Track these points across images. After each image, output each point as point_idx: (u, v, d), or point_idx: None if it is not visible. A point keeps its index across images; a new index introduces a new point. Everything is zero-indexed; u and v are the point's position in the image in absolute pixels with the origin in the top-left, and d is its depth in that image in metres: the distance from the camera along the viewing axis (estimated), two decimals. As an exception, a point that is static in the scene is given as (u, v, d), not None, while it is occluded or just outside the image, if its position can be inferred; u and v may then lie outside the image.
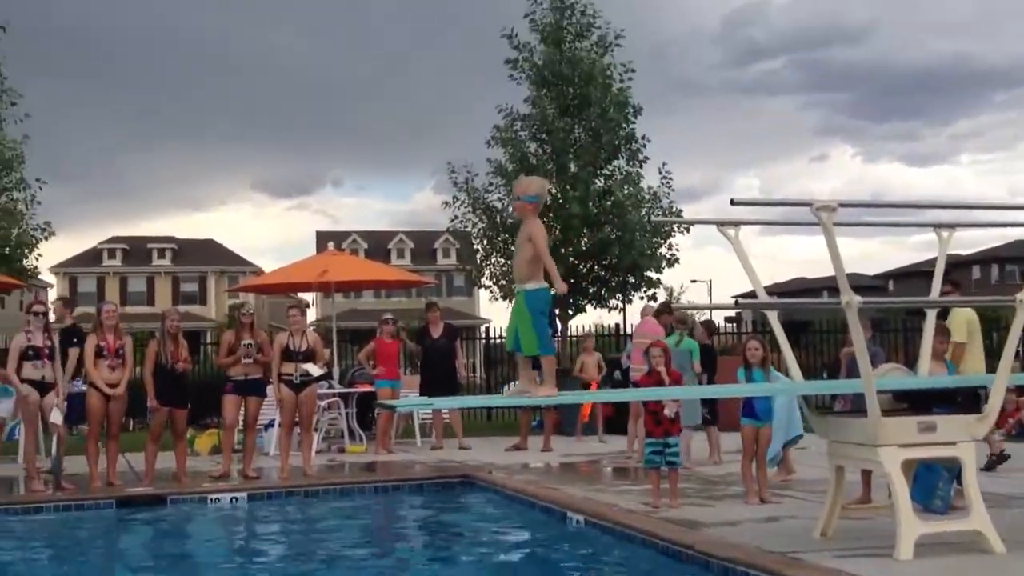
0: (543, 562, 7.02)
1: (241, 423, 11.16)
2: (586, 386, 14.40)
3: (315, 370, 10.95)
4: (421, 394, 13.61)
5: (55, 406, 10.01)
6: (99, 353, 10.19)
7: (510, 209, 21.28)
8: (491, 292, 22.04)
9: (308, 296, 34.97)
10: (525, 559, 7.23)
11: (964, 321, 9.85)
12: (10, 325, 37.92)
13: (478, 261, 22.50)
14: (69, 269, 60.92)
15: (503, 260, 21.60)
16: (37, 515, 9.14)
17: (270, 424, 13.19)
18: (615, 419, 14.17)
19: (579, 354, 15.62)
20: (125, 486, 10.07)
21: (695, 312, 15.43)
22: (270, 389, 11.12)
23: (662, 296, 22.24)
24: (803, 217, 6.31)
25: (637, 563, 6.65)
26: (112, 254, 62.83)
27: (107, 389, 10.11)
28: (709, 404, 11.15)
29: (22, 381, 9.91)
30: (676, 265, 21.50)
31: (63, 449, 10.26)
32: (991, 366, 8.59)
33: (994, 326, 15.96)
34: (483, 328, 33.96)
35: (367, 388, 14.38)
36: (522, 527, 8.32)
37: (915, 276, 63.08)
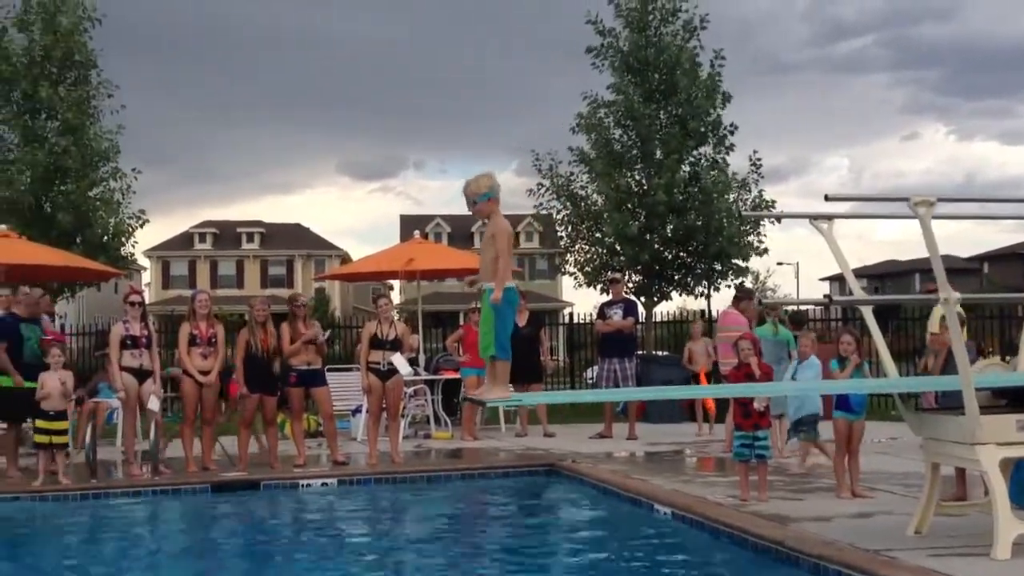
0: (629, 555, 6.99)
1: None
2: (695, 376, 14.13)
3: (403, 366, 11.05)
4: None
5: (152, 393, 10.32)
6: (192, 341, 10.47)
7: (593, 196, 21.26)
8: (575, 278, 22.00)
9: (393, 281, 35.30)
10: (611, 551, 7.22)
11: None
12: (104, 306, 39.14)
13: (562, 247, 22.49)
14: (162, 253, 62.49)
15: (587, 247, 21.56)
16: (136, 498, 9.43)
17: (357, 410, 13.41)
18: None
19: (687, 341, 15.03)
20: (220, 471, 10.33)
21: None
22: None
23: (749, 283, 21.98)
24: (898, 209, 6.18)
25: (725, 559, 6.60)
26: (203, 238, 64.26)
27: (200, 377, 10.38)
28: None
29: (121, 369, 10.23)
30: (765, 255, 21.24)
31: (161, 434, 10.57)
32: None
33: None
34: (566, 312, 33.97)
35: (453, 375, 14.52)
36: (608, 518, 8.32)
37: (1011, 258, 61.20)
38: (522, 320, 14.16)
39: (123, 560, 7.09)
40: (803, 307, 12.48)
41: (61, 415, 9.80)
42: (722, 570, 6.45)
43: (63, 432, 9.80)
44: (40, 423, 9.71)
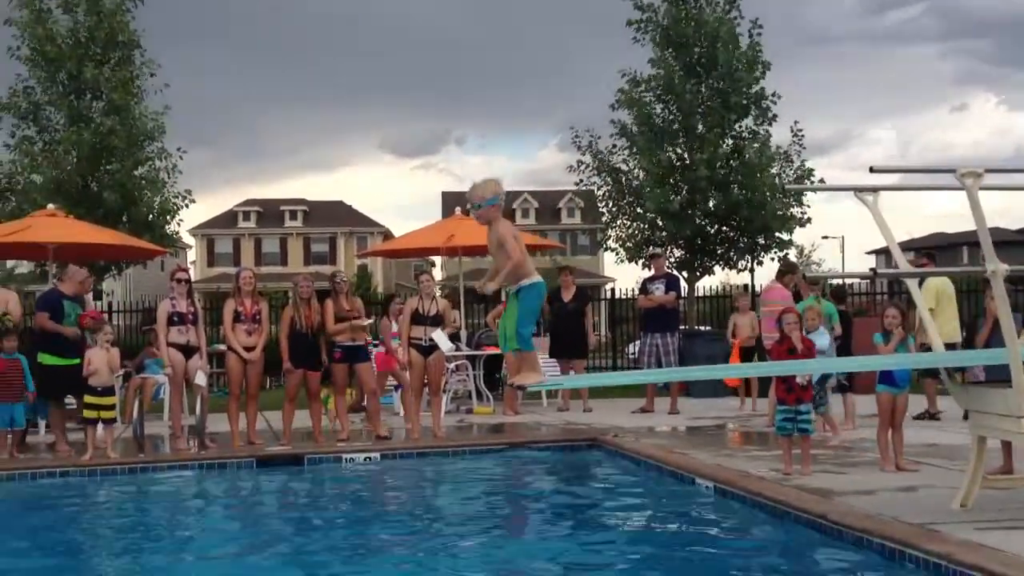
0: (671, 529, 7.00)
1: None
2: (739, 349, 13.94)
3: (444, 342, 11.08)
4: (550, 356, 13.71)
5: (199, 369, 10.47)
6: (237, 318, 10.60)
7: (634, 171, 21.14)
8: (617, 254, 21.94)
9: (434, 257, 35.39)
10: (654, 525, 7.22)
11: (934, 289, 11.27)
12: (150, 284, 39.66)
13: (603, 223, 22.43)
14: (207, 231, 63.19)
15: (629, 222, 21.48)
16: (183, 472, 9.57)
17: (400, 385, 13.49)
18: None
19: (731, 314, 15.01)
20: (265, 445, 10.45)
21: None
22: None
23: (793, 257, 21.80)
24: (945, 180, 6.08)
25: (768, 533, 6.58)
26: (247, 216, 64.85)
27: (244, 353, 10.51)
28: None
29: (168, 345, 10.39)
30: (808, 226, 21.05)
31: (207, 409, 10.72)
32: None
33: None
34: (608, 288, 33.89)
35: (494, 350, 14.56)
36: (650, 493, 8.31)
37: (1062, 231, 60.10)
38: (568, 295, 14.19)
39: (171, 533, 7.21)
40: (847, 281, 12.32)
41: (109, 391, 9.95)
42: (765, 544, 6.42)
43: (111, 407, 9.96)
44: (88, 399, 9.87)
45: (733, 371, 12.24)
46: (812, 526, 6.29)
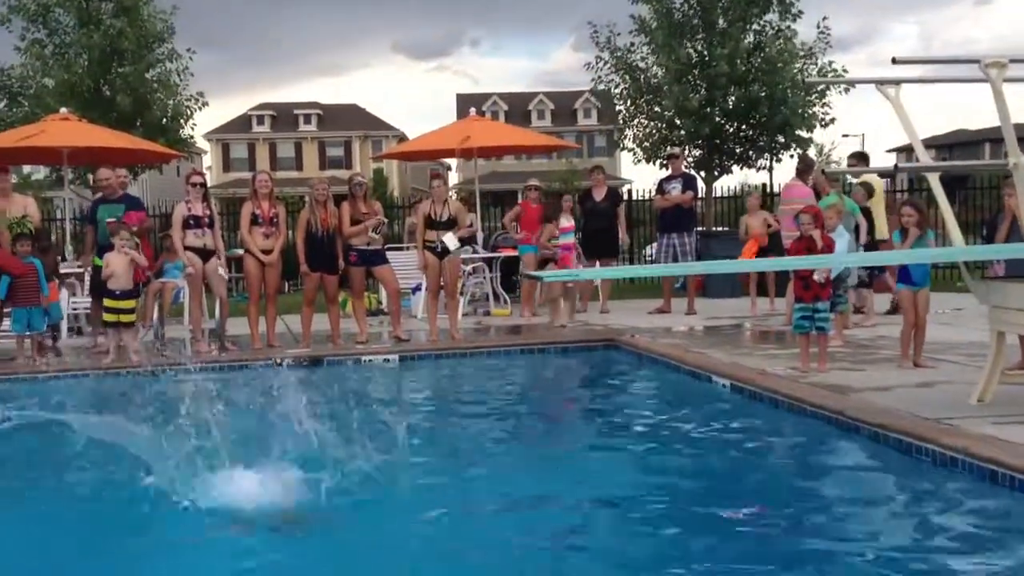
0: (688, 427, 7.03)
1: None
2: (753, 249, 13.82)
3: (452, 242, 11.05)
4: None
5: (218, 268, 10.49)
6: (254, 221, 10.58)
7: (653, 68, 20.82)
8: (634, 154, 21.73)
9: (450, 160, 35.18)
10: (670, 424, 7.26)
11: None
12: (166, 189, 39.65)
13: (620, 122, 22.16)
14: (221, 136, 62.88)
15: (646, 121, 21.22)
16: (204, 374, 9.64)
17: (417, 288, 13.53)
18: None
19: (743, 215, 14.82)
20: (284, 347, 10.53)
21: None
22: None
23: (813, 156, 21.55)
24: (969, 73, 5.93)
25: (785, 429, 6.61)
26: (261, 120, 64.42)
27: (262, 256, 10.52)
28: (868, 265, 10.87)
29: (185, 249, 10.41)
30: (831, 126, 20.73)
31: (226, 312, 10.78)
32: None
33: None
34: (624, 189, 33.66)
35: (511, 252, 14.54)
36: (667, 392, 8.35)
37: (1088, 127, 59.09)
38: (599, 195, 14.09)
39: (195, 429, 7.28)
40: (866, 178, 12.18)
41: (128, 294, 10.00)
42: (782, 441, 6.46)
43: (130, 311, 10.02)
44: (107, 302, 9.94)
45: (750, 265, 12.18)
46: (829, 422, 6.32)
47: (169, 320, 11.48)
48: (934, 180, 7.20)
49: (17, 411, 7.76)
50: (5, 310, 10.37)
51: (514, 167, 52.87)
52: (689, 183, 13.76)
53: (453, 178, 50.92)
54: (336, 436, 6.65)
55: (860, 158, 12.28)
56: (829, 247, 8.36)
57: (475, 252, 14.39)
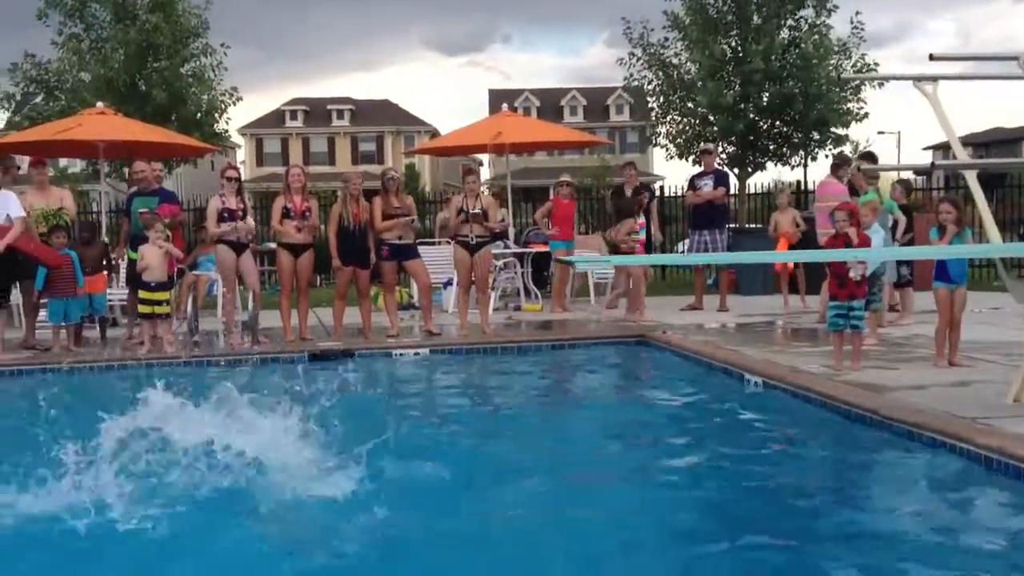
0: (720, 424, 7.00)
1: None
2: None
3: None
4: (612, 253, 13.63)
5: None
6: (286, 214, 10.63)
7: (686, 64, 20.72)
8: (666, 150, 21.64)
9: (482, 155, 35.18)
10: (702, 421, 7.23)
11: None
12: (200, 183, 39.96)
13: (653, 119, 22.09)
14: (255, 130, 63.24)
15: (679, 118, 21.13)
16: (237, 367, 9.73)
17: (448, 283, 13.55)
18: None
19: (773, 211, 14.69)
20: (316, 340, 10.58)
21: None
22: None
23: (848, 153, 21.36)
24: (1007, 70, 5.86)
25: (818, 427, 6.56)
26: (294, 116, 64.74)
27: (294, 234, 10.52)
28: (909, 264, 10.77)
29: (218, 242, 10.49)
30: (865, 120, 20.56)
31: (259, 305, 10.85)
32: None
33: None
34: (656, 185, 33.50)
35: (542, 248, 14.53)
36: (699, 389, 8.30)
37: None
38: (629, 190, 14.03)
39: (228, 421, 7.33)
40: (904, 173, 12.11)
41: (162, 286, 10.08)
42: (814, 439, 6.41)
43: (164, 303, 10.11)
44: (142, 294, 10.03)
45: (783, 256, 12.10)
46: (863, 421, 6.26)
47: (203, 313, 11.56)
48: (971, 178, 7.12)
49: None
50: (42, 301, 10.51)
51: (546, 163, 52.80)
52: (721, 179, 13.69)
53: (485, 174, 50.87)
54: (364, 428, 6.69)
55: (867, 158, 12.16)
56: (865, 245, 8.28)
57: (506, 248, 14.39)
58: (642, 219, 12.49)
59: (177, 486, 4.89)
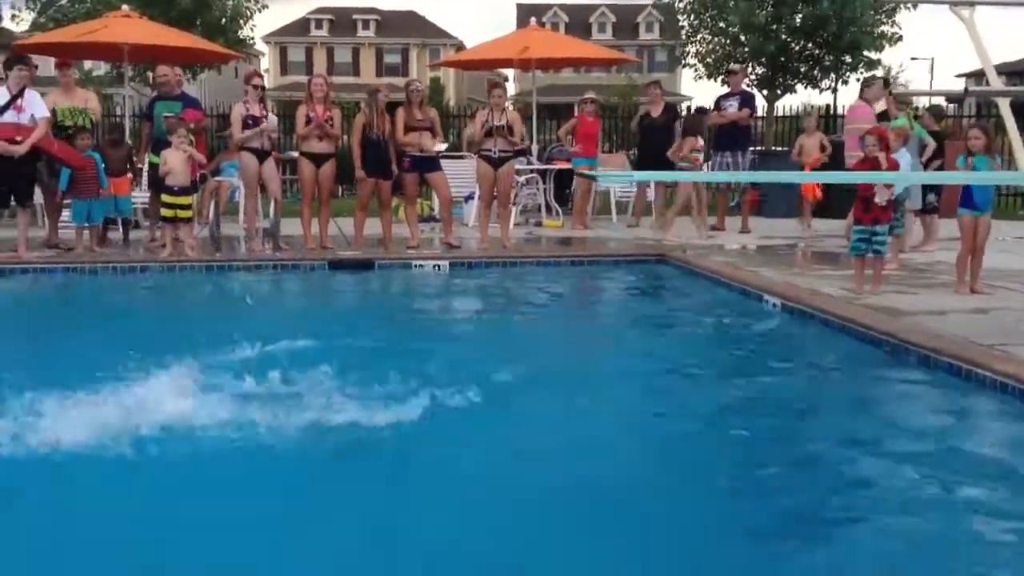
0: (737, 345, 7.02)
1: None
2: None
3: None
4: (637, 170, 13.54)
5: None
6: (308, 123, 10.58)
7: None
8: (695, 70, 21.34)
9: (507, 71, 34.81)
10: (718, 342, 7.25)
11: None
12: (223, 90, 39.77)
13: (683, 38, 21.75)
14: (279, 39, 62.67)
15: (710, 37, 20.79)
16: (258, 272, 9.82)
17: (470, 197, 13.53)
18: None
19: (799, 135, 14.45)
20: (336, 249, 10.62)
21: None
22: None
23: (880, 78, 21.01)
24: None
25: (835, 350, 6.57)
26: (319, 24, 64.05)
27: (316, 144, 10.51)
28: (936, 190, 10.66)
29: (242, 149, 10.47)
30: (899, 43, 20.17)
31: (280, 212, 10.87)
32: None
33: None
34: (684, 106, 33.13)
35: (565, 165, 14.44)
36: (716, 309, 8.29)
37: None
38: (656, 110, 13.90)
39: (246, 324, 7.43)
40: (936, 99, 11.90)
41: (185, 191, 10.10)
42: (831, 361, 6.43)
43: (187, 207, 10.14)
44: (165, 198, 10.05)
45: (808, 177, 11.99)
46: (880, 344, 6.26)
47: (224, 219, 11.60)
48: (1004, 105, 7.01)
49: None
50: (65, 201, 10.58)
51: (572, 80, 52.16)
52: (747, 101, 13.53)
53: (510, 89, 50.37)
54: (384, 338, 6.76)
55: (873, 81, 11.92)
56: (894, 169, 8.20)
57: (529, 164, 14.32)
58: (700, 142, 12.30)
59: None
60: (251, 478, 3.94)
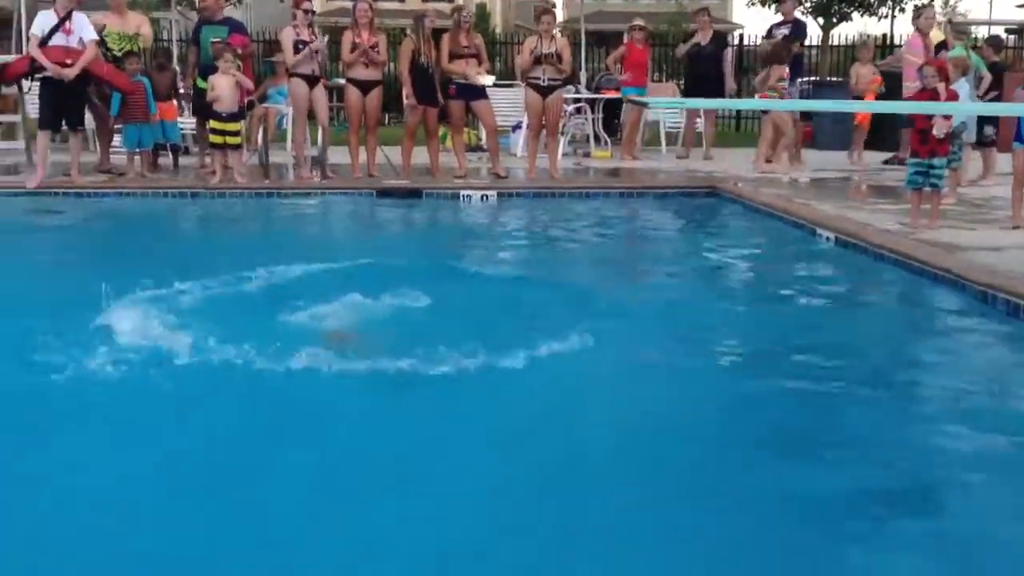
0: (788, 279, 6.92)
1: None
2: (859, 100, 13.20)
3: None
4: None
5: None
6: (353, 50, 10.50)
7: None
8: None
9: (556, -3, 34.25)
10: (769, 275, 7.17)
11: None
12: (270, 16, 39.57)
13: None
14: (326, -36, 62.04)
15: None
16: (306, 199, 9.84)
17: (517, 126, 13.41)
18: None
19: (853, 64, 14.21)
20: (384, 178, 10.60)
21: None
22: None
23: (938, 7, 20.44)
24: None
25: (889, 286, 6.48)
26: (365, -51, 63.31)
27: (364, 70, 10.44)
28: (993, 123, 10.40)
29: (292, 75, 10.42)
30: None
31: (328, 140, 10.85)
32: None
33: None
34: (736, 34, 32.45)
35: (614, 94, 14.24)
36: (768, 242, 8.20)
37: None
38: (705, 38, 13.65)
39: (296, 248, 7.48)
40: (995, 29, 11.56)
41: (234, 116, 10.10)
42: (884, 297, 6.35)
43: (236, 134, 10.15)
44: (214, 124, 10.07)
45: (863, 106, 11.74)
46: (935, 280, 6.16)
47: (272, 146, 11.61)
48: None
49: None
50: (116, 127, 10.63)
51: (621, 7, 51.19)
52: (798, 29, 13.22)
53: (558, 16, 49.61)
54: (429, 266, 6.77)
55: (924, 11, 11.57)
56: (952, 101, 8.00)
57: (577, 93, 14.14)
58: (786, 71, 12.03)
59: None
60: (307, 400, 3.99)
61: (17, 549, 2.83)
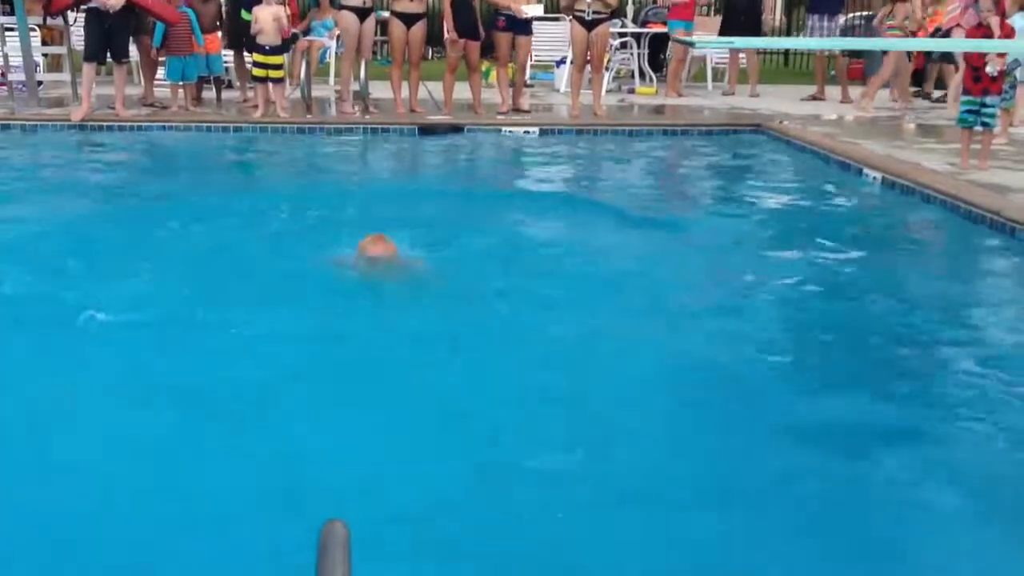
0: (834, 220, 6.81)
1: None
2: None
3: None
4: (721, 35, 13.07)
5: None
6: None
7: None
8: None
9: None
10: (815, 215, 7.05)
11: None
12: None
13: None
14: None
15: None
16: (349, 135, 9.82)
17: (561, 61, 13.25)
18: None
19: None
20: (426, 113, 10.54)
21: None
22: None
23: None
24: None
25: (936, 227, 6.38)
26: None
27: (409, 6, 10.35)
28: None
29: (342, 8, 10.32)
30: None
31: (369, 75, 10.78)
32: None
33: None
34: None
35: (660, 28, 13.98)
36: (814, 182, 8.07)
37: None
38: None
39: (335, 182, 7.51)
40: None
41: (276, 50, 10.06)
42: (933, 239, 6.26)
43: (279, 67, 10.11)
44: (257, 57, 10.03)
45: (915, 44, 11.45)
46: (984, 222, 6.05)
47: (314, 80, 11.56)
48: None
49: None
50: (160, 59, 10.62)
51: (668, -60, 50.18)
52: None
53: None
54: (468, 203, 6.77)
55: None
56: (1009, 37, 7.76)
57: (623, 26, 13.91)
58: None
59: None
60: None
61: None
